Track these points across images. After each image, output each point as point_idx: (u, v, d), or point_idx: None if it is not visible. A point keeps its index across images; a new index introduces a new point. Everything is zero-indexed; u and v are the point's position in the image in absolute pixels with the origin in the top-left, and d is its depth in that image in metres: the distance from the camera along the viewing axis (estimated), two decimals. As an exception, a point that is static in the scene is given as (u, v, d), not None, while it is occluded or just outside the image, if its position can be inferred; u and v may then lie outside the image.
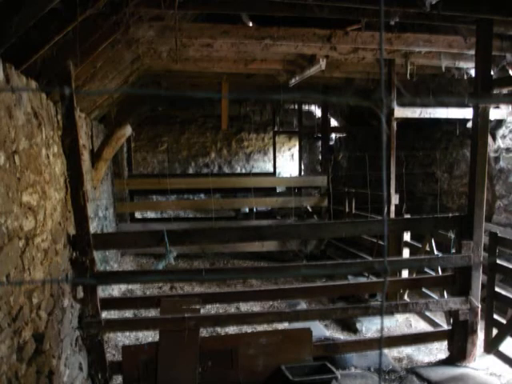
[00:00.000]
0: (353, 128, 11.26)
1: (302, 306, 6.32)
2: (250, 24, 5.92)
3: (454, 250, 4.66)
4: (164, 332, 4.08)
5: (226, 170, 14.77)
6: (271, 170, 13.22)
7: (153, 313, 5.30)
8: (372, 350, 4.66)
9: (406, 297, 6.25)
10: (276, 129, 12.94)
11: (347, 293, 5.99)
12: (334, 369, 4.17)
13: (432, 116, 6.38)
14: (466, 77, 6.62)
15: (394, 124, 6.24)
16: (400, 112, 6.16)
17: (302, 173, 12.89)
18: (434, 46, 5.11)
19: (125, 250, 8.67)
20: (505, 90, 5.69)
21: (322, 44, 4.98)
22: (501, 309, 5.18)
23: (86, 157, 5.44)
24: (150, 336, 5.37)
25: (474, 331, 4.62)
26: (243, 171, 14.72)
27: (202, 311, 4.29)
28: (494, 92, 5.06)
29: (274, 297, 5.09)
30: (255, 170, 14.53)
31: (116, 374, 4.19)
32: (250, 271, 5.18)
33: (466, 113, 6.25)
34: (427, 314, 5.81)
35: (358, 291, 5.77)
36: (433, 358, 4.94)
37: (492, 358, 4.77)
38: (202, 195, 11.99)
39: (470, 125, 5.79)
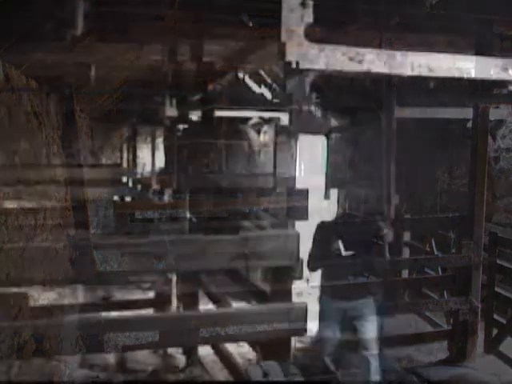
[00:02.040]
0: (353, 128, 11.22)
1: (302, 305, 6.30)
2: (250, 24, 5.90)
3: (453, 250, 4.65)
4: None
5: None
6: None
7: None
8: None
9: (405, 297, 6.23)
10: (276, 129, 12.91)
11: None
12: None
13: (432, 116, 6.36)
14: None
15: (394, 124, 6.22)
16: (400, 112, 6.14)
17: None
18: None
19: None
20: (505, 90, 5.68)
21: (321, 44, 4.97)
22: (501, 309, 5.17)
23: (85, 157, 5.44)
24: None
25: (474, 331, 4.61)
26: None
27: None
28: (494, 92, 5.06)
29: (273, 297, 5.08)
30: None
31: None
32: (249, 271, 5.17)
33: (466, 113, 6.23)
34: (427, 313, 5.80)
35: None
36: (433, 358, 4.93)
37: (492, 358, 4.76)
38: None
39: (470, 125, 5.78)
